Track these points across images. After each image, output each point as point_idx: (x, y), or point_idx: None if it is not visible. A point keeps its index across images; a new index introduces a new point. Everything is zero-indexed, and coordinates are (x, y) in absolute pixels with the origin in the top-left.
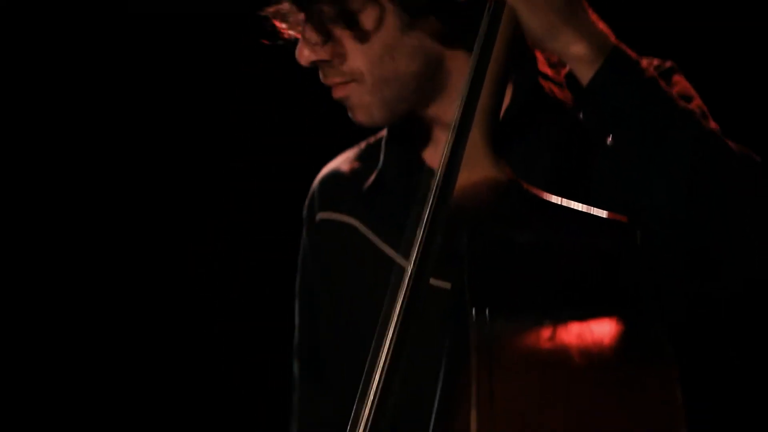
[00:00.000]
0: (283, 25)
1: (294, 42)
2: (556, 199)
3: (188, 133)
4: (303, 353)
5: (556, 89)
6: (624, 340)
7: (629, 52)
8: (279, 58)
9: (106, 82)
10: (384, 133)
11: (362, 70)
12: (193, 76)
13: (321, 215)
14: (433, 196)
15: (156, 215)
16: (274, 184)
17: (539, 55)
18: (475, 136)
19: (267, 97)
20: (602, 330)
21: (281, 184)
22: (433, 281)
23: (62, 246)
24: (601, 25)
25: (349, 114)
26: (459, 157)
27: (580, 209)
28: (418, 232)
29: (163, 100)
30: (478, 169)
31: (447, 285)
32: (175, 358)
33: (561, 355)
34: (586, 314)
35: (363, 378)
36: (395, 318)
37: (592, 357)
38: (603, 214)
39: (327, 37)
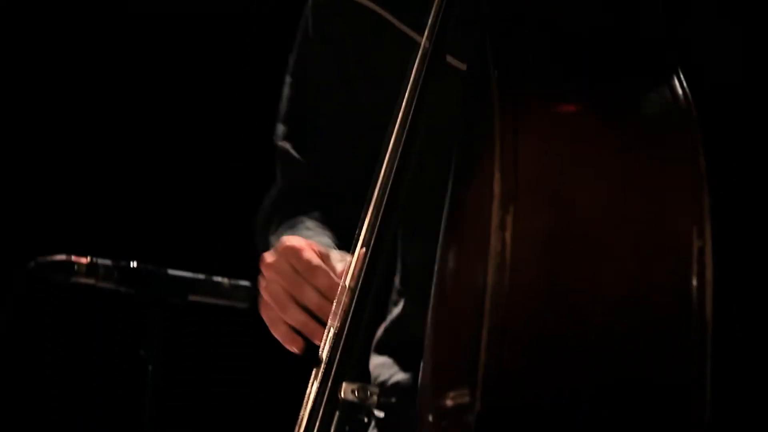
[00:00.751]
0: None
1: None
2: None
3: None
4: (291, 120)
5: None
6: (649, 105)
7: None
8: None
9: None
10: None
11: None
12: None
13: None
14: None
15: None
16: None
17: None
18: None
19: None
20: (627, 94)
21: None
22: (450, 60)
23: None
24: None
25: None
26: None
27: None
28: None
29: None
30: None
31: (464, 65)
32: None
33: (585, 119)
34: (610, 78)
35: (379, 155)
36: (410, 93)
37: (617, 121)
38: None
39: None
